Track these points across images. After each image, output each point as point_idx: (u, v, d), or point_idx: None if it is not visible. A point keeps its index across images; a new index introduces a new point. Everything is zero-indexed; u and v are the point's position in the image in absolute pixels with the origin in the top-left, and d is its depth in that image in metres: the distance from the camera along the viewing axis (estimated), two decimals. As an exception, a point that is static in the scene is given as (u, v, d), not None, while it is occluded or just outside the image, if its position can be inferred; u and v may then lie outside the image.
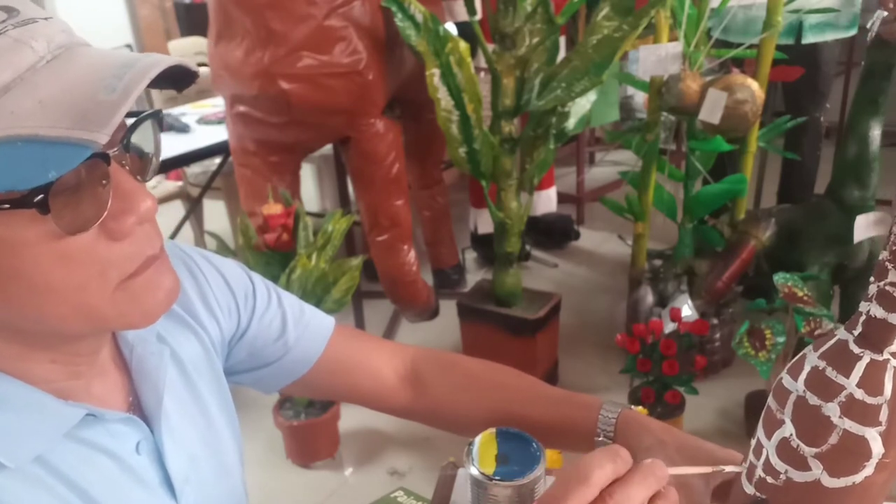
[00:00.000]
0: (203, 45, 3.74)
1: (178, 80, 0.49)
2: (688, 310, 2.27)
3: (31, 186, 0.42)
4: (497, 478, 0.62)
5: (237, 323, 0.73)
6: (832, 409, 0.42)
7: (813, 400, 0.43)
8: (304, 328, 0.77)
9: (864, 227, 1.96)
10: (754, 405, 2.11)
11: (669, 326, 2.08)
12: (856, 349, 0.42)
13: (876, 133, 1.96)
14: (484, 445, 0.66)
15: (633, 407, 0.72)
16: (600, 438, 0.70)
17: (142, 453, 0.57)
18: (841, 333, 0.43)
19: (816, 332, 1.76)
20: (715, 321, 2.27)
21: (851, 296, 2.21)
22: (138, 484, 0.57)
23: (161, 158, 0.54)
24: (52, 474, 0.51)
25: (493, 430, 0.68)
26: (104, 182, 0.46)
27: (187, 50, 3.93)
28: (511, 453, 0.65)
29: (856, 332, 0.42)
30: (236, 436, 0.72)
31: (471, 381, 0.79)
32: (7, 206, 0.43)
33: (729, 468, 0.52)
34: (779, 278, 1.81)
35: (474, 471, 0.63)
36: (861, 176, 2.00)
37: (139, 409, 0.60)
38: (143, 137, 0.51)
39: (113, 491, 0.54)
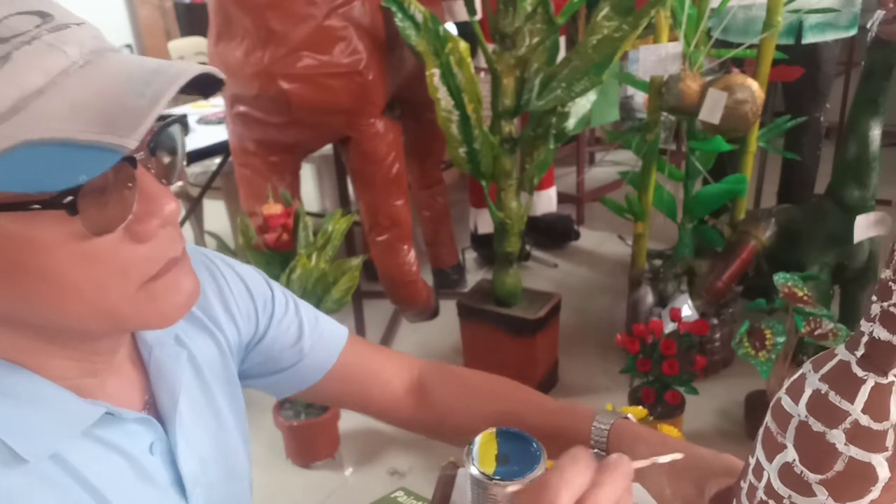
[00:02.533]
0: (203, 45, 3.75)
1: (204, 86, 0.51)
2: (688, 310, 2.27)
3: (62, 188, 0.43)
4: (497, 478, 0.62)
5: (255, 328, 0.74)
6: (837, 437, 0.41)
7: (816, 426, 0.42)
8: (319, 336, 0.78)
9: (864, 227, 1.96)
10: (754, 405, 2.11)
11: (669, 326, 2.07)
12: (859, 372, 0.40)
13: (876, 133, 1.96)
14: (484, 445, 0.66)
15: (629, 416, 0.71)
16: (594, 450, 0.70)
17: (155, 454, 0.58)
18: (842, 353, 0.42)
19: (816, 332, 1.76)
20: (715, 321, 2.27)
21: (851, 296, 2.21)
22: (150, 484, 0.57)
23: None
24: (66, 472, 0.51)
25: (493, 430, 0.67)
26: (130, 185, 0.47)
27: (187, 50, 3.93)
28: (511, 453, 0.65)
29: (858, 354, 0.41)
30: (245, 439, 0.73)
31: (468, 390, 0.81)
32: (38, 206, 0.43)
33: (665, 459, 0.57)
34: (779, 278, 1.81)
35: (474, 471, 0.63)
36: (861, 176, 2.00)
37: (154, 409, 0.61)
38: (168, 141, 0.52)
39: (125, 490, 0.55)
